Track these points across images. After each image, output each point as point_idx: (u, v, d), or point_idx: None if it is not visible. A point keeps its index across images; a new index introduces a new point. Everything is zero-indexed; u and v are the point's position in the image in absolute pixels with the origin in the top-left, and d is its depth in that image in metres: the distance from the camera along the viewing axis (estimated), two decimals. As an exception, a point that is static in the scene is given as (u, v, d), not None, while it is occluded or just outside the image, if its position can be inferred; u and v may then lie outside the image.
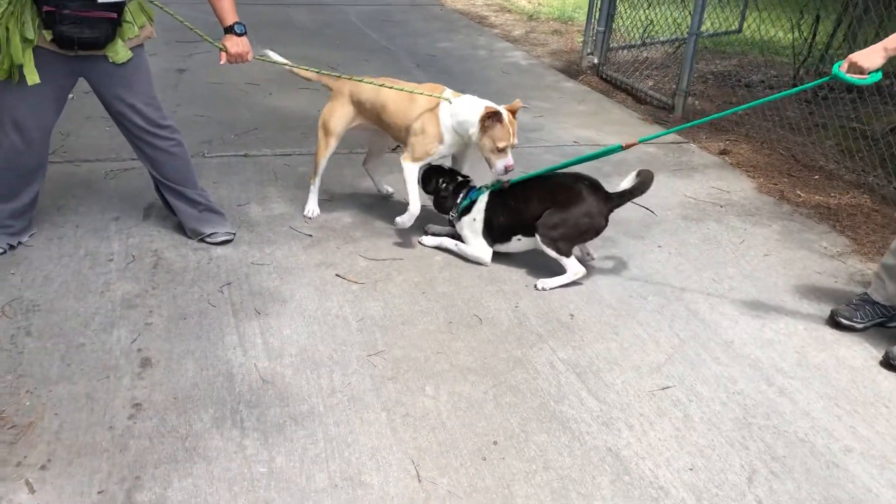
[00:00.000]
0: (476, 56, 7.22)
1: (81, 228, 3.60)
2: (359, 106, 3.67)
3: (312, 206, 3.88)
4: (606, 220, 3.36)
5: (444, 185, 3.58)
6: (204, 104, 5.37)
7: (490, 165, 3.41)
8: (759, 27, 7.34)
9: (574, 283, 3.37)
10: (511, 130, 3.35)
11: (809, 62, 6.80)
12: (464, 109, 3.40)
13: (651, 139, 3.42)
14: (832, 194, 4.53)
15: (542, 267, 3.47)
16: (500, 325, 3.06)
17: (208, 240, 3.53)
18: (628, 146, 3.35)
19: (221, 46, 3.30)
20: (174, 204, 3.52)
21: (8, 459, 2.27)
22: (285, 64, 3.75)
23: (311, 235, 3.68)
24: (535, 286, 3.31)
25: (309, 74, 3.80)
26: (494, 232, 3.47)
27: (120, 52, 3.11)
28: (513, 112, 3.40)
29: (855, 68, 2.81)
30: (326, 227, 3.77)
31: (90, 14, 2.94)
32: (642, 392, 2.72)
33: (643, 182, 3.36)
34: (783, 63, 7.34)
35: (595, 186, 3.35)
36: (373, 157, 4.10)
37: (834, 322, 3.19)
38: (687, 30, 6.93)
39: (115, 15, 3.01)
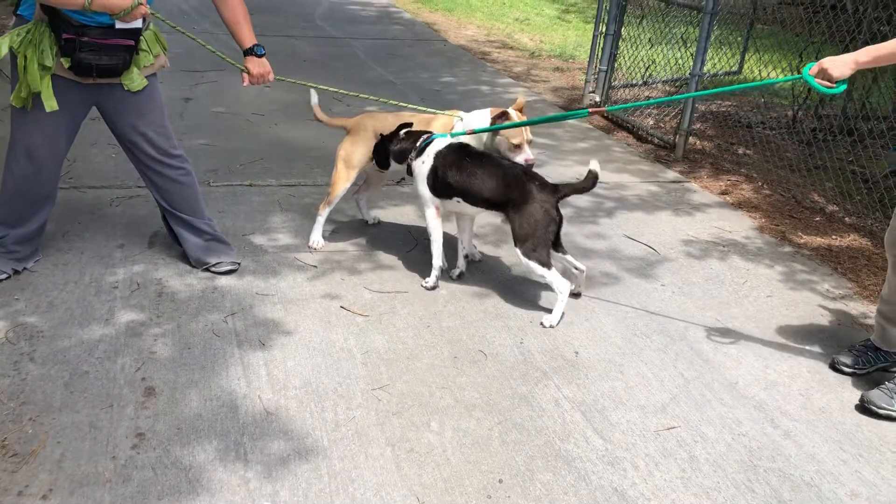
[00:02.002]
0: (479, 91, 7.29)
1: (86, 255, 3.60)
2: None
3: (318, 238, 3.90)
4: (559, 211, 3.38)
5: (402, 134, 3.59)
6: (210, 133, 5.40)
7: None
8: (758, 69, 7.44)
9: (566, 317, 3.38)
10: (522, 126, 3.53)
11: (809, 104, 6.89)
12: (475, 119, 3.64)
13: (619, 109, 3.54)
14: (833, 237, 4.56)
15: (548, 302, 3.48)
16: (505, 361, 3.06)
17: (213, 269, 3.53)
18: (594, 112, 3.55)
19: (244, 68, 3.34)
20: (180, 233, 3.53)
21: (9, 488, 2.24)
22: (310, 86, 3.87)
23: (315, 267, 3.69)
24: (542, 323, 3.31)
25: (322, 116, 3.90)
26: (438, 183, 3.47)
27: (136, 79, 3.15)
28: (519, 109, 3.61)
29: (824, 75, 2.78)
30: (331, 259, 3.78)
31: (109, 41, 2.98)
32: (647, 432, 2.71)
33: (591, 179, 3.38)
34: (782, 104, 7.43)
35: (542, 182, 3.36)
36: (369, 189, 4.15)
37: (835, 369, 3.18)
38: (688, 70, 7.03)
39: (132, 42, 3.05)
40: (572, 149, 5.91)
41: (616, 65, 7.01)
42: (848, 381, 3.12)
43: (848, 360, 3.16)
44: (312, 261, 3.74)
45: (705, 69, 6.95)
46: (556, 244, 3.46)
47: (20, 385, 2.68)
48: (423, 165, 3.50)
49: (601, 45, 7.05)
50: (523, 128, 3.52)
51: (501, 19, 11.26)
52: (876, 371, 3.16)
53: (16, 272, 3.36)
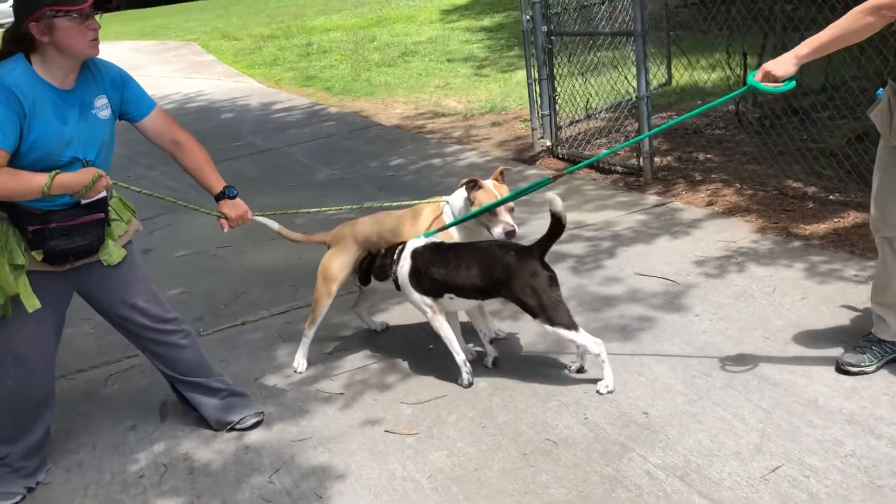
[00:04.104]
0: (431, 166, 7.20)
1: (98, 448, 3.31)
2: (366, 243, 3.60)
3: (302, 360, 3.72)
4: (548, 268, 3.17)
5: (382, 251, 3.52)
6: (181, 280, 5.15)
7: (491, 234, 3.42)
8: (690, 73, 7.52)
9: (619, 376, 3.20)
10: (497, 193, 3.41)
11: (748, 96, 6.96)
12: (456, 199, 3.54)
13: (579, 167, 3.48)
14: (834, 219, 4.50)
15: (593, 364, 3.29)
16: (577, 444, 2.85)
17: (238, 427, 3.27)
18: (556, 177, 3.49)
19: (221, 214, 3.15)
20: (193, 398, 3.28)
21: None
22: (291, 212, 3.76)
23: (342, 393, 3.46)
24: (598, 391, 3.12)
25: (297, 236, 3.76)
26: (423, 282, 3.31)
27: (114, 252, 2.94)
28: (498, 178, 3.51)
29: (769, 77, 2.80)
30: (355, 380, 3.56)
31: (78, 221, 2.78)
32: (754, 479, 2.53)
33: (556, 222, 3.13)
34: (725, 103, 7.49)
35: (518, 250, 3.19)
36: (367, 298, 3.97)
37: (842, 371, 3.01)
38: (627, 94, 7.05)
39: (102, 215, 2.85)
40: (543, 199, 5.80)
41: (557, 107, 6.99)
42: (923, 364, 2.99)
43: (853, 360, 3.01)
44: (337, 388, 3.51)
45: (633, 88, 7.02)
46: None
47: None
48: (403, 269, 3.37)
49: (537, 91, 7.04)
50: (498, 194, 3.40)
51: (423, 90, 11.29)
52: (886, 364, 3.00)
53: (30, 489, 3.05)
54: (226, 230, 3.20)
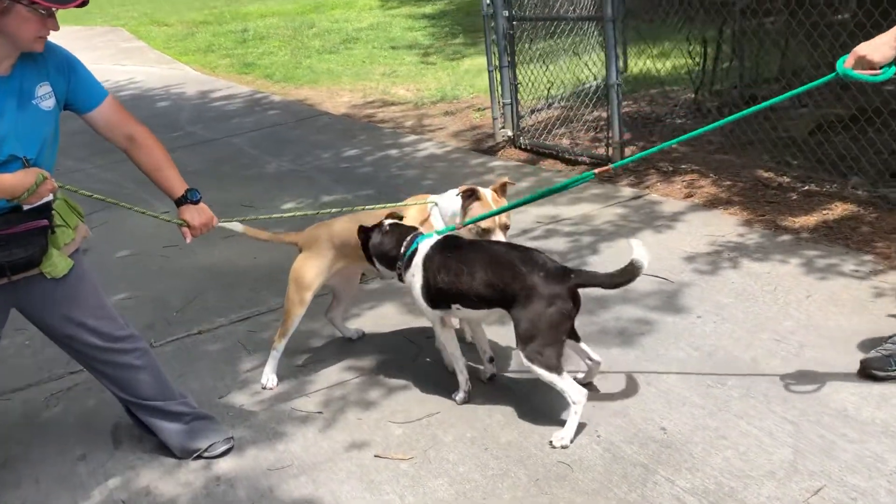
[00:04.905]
0: (389, 157, 6.85)
1: (43, 482, 2.90)
2: (343, 248, 3.25)
3: (271, 375, 3.36)
4: (575, 301, 2.76)
5: (387, 226, 3.07)
6: (126, 284, 4.70)
7: None
8: (652, 62, 7.35)
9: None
10: (493, 207, 3.10)
11: (706, 84, 6.83)
12: (448, 203, 3.21)
13: (626, 162, 3.15)
14: (822, 211, 4.35)
15: (599, 379, 3.04)
16: (593, 467, 2.58)
17: (206, 455, 2.90)
18: (601, 172, 3.03)
19: (182, 222, 2.76)
20: (153, 423, 2.90)
21: None
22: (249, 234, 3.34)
23: (321, 413, 3.12)
24: (551, 443, 2.70)
25: (266, 235, 3.39)
26: (431, 292, 2.94)
27: (59, 263, 2.54)
28: (498, 190, 3.18)
29: (864, 63, 2.49)
30: (334, 397, 3.22)
31: (17, 229, 2.37)
32: (796, 503, 2.31)
33: (629, 273, 2.70)
34: (674, 90, 7.37)
35: (548, 270, 2.76)
36: (341, 303, 3.63)
37: (867, 375, 2.81)
38: (588, 81, 6.84)
39: (45, 222, 2.45)
40: (515, 193, 5.53)
41: (519, 96, 6.72)
42: (948, 368, 2.82)
43: (879, 364, 2.81)
44: (315, 406, 3.17)
45: (587, 78, 6.82)
46: (570, 331, 2.87)
47: None
48: (413, 279, 2.97)
49: (498, 78, 6.76)
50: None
51: (369, 78, 10.90)
52: None
53: (-37, 538, 2.65)
54: (188, 240, 2.82)
